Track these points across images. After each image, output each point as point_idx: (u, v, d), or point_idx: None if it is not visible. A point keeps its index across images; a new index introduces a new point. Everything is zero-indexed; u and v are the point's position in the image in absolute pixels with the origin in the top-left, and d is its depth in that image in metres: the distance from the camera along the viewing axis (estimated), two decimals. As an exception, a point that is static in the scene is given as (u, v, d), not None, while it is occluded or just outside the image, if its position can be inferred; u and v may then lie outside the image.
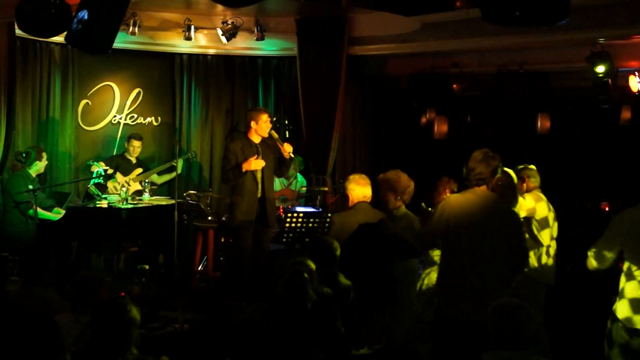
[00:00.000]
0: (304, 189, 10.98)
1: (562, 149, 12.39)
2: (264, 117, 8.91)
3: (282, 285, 6.22)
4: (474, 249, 5.69)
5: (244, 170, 8.71)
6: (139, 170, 10.94)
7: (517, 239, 5.86)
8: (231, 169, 8.81)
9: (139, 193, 10.45)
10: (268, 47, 11.51)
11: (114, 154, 11.24)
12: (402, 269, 7.21)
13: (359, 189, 7.32)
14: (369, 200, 7.35)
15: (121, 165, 10.70)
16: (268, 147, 8.97)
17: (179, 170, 10.82)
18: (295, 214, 9.07)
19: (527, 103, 12.09)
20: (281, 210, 9.65)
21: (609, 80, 10.22)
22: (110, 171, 10.25)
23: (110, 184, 10.56)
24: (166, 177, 11.20)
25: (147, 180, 10.52)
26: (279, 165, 9.07)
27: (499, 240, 5.72)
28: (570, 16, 8.67)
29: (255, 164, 8.76)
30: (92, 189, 9.78)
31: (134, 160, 10.98)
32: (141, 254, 10.37)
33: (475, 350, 4.66)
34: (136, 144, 10.93)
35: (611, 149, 12.30)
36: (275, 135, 9.01)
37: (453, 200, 5.97)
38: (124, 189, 10.03)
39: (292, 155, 9.02)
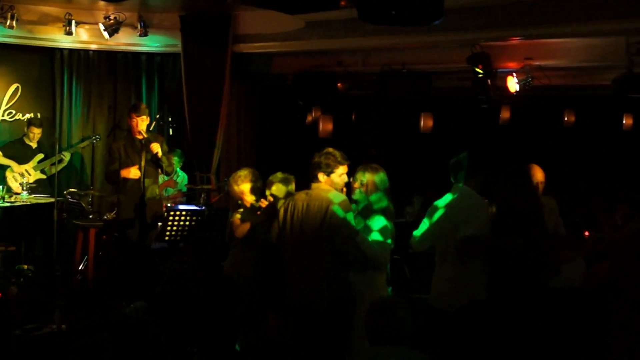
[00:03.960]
0: (186, 186, 10.90)
1: (444, 148, 12.62)
2: (141, 115, 8.92)
3: (163, 284, 6.17)
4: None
5: (122, 177, 8.75)
6: (40, 156, 10.67)
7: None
8: (112, 172, 8.84)
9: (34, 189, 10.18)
10: (152, 43, 11.34)
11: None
12: None
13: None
14: None
15: (20, 151, 10.43)
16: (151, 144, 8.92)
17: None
18: (178, 212, 9.01)
19: (410, 102, 12.30)
20: (164, 207, 9.55)
21: (488, 81, 10.47)
22: None
23: (9, 174, 10.27)
24: (56, 168, 10.92)
25: (25, 180, 10.24)
26: (155, 166, 9.03)
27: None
28: (450, 17, 8.92)
29: (134, 173, 8.76)
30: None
31: (34, 146, 10.70)
32: (19, 253, 10.09)
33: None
34: (36, 130, 10.69)
35: (491, 147, 12.61)
36: (145, 135, 8.97)
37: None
38: (24, 179, 9.78)
39: (160, 155, 8.95)
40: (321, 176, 6.31)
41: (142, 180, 8.79)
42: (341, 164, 6.35)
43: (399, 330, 4.48)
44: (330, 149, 6.40)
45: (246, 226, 6.91)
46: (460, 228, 5.86)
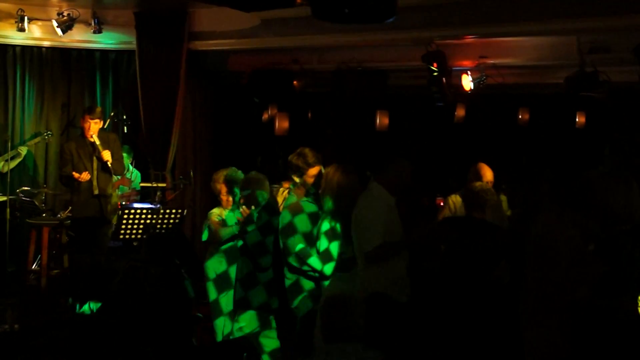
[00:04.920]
0: (140, 184, 10.84)
1: (400, 146, 12.69)
2: (94, 116, 8.89)
3: (117, 282, 6.15)
4: None
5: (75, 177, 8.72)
6: None
7: None
8: (66, 176, 8.90)
9: None
10: (106, 41, 11.24)
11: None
12: None
13: None
14: None
15: None
16: (104, 144, 8.89)
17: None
18: (132, 210, 8.96)
19: (366, 100, 12.33)
20: (119, 205, 9.49)
21: (443, 79, 10.53)
22: None
23: None
24: (13, 164, 10.80)
25: None
26: (105, 169, 9.02)
27: None
28: (406, 16, 8.98)
29: (84, 178, 8.76)
30: None
31: None
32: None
33: None
34: None
35: (446, 145, 12.71)
36: (98, 141, 8.98)
37: None
38: None
39: (110, 164, 8.96)
40: (295, 178, 6.35)
41: (95, 180, 8.76)
42: (311, 166, 6.34)
43: (352, 327, 4.47)
44: (306, 150, 6.40)
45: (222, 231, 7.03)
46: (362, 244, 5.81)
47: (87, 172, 8.82)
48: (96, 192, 8.82)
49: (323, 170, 6.26)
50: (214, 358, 6.65)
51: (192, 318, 7.43)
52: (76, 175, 8.76)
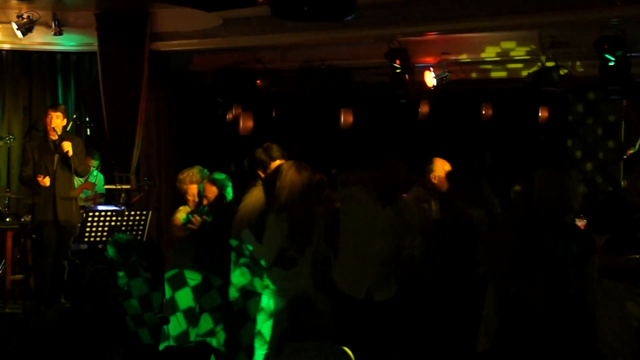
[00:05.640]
0: (105, 187, 10.76)
1: (364, 143, 12.72)
2: (56, 113, 8.86)
3: (83, 286, 6.11)
4: None
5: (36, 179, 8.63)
6: None
7: None
8: (27, 176, 8.79)
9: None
10: (67, 42, 11.14)
11: None
12: None
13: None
14: None
15: None
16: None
17: None
18: (97, 213, 8.92)
19: (330, 98, 12.35)
20: (82, 210, 9.42)
21: (406, 76, 10.57)
22: None
23: None
24: None
25: None
26: (68, 167, 8.93)
27: None
28: (367, 13, 9.01)
29: (44, 183, 8.67)
30: None
31: None
32: None
33: None
34: None
35: (411, 142, 12.74)
36: (59, 134, 8.89)
37: None
38: None
39: (71, 154, 8.82)
40: (260, 172, 6.38)
41: (53, 182, 8.70)
42: (274, 160, 6.36)
43: (319, 325, 4.47)
44: (272, 145, 6.47)
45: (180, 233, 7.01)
46: None
47: (48, 177, 8.70)
48: (58, 193, 8.73)
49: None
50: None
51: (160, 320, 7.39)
52: (39, 177, 8.65)
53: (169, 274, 7.19)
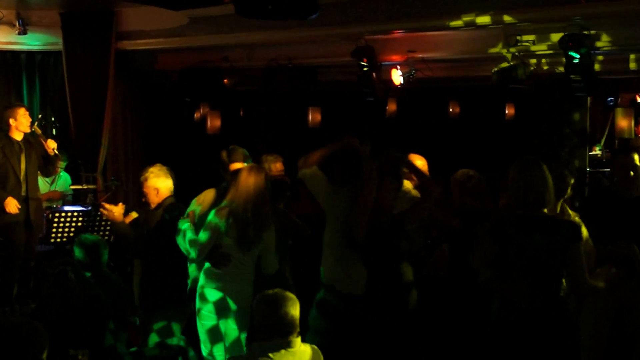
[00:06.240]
0: (71, 187, 10.67)
1: (333, 142, 12.70)
2: (21, 112, 8.68)
3: (48, 287, 6.06)
4: None
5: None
6: None
7: None
8: None
9: None
10: (31, 42, 11.03)
11: None
12: None
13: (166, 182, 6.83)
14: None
15: None
16: (31, 146, 8.73)
17: None
18: (63, 213, 8.86)
19: (297, 97, 12.38)
20: (48, 211, 9.34)
21: (373, 74, 10.59)
22: None
23: None
24: None
25: None
26: (44, 164, 8.82)
27: None
28: (333, 11, 9.03)
29: (12, 207, 8.51)
30: None
31: None
32: None
33: None
34: None
35: (379, 140, 12.76)
36: (39, 131, 8.81)
37: None
38: None
39: (57, 152, 8.79)
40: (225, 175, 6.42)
41: (23, 181, 8.60)
42: (232, 162, 6.38)
43: (284, 324, 4.48)
44: (238, 148, 6.54)
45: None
46: None
47: (16, 203, 8.56)
48: (24, 194, 8.63)
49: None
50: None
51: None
52: (5, 204, 8.51)
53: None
